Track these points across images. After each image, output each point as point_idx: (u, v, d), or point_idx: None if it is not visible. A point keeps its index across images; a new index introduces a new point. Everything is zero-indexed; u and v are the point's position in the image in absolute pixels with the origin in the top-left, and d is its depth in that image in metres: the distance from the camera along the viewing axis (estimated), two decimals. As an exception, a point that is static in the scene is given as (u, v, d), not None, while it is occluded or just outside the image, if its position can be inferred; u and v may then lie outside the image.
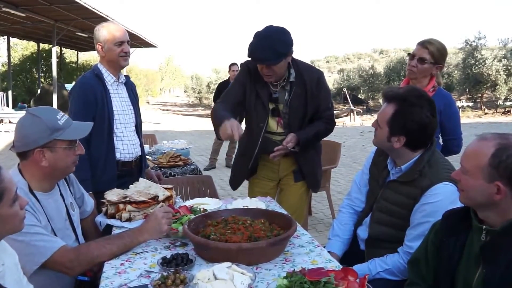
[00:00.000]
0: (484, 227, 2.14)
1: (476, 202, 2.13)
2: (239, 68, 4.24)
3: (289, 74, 3.84)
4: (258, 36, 3.64)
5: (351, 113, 27.66)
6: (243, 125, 4.13)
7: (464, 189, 2.15)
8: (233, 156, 11.50)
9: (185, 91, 56.51)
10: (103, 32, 3.87)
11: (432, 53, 3.83)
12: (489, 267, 2.06)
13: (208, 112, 35.19)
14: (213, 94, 12.07)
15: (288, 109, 3.89)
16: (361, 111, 30.10)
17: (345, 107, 30.95)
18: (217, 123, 3.66)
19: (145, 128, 18.06)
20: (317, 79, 3.90)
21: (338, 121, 26.52)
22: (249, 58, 3.74)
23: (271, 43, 3.57)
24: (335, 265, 2.43)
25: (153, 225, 2.71)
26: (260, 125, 3.94)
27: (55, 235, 2.63)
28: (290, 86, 3.85)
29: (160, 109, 41.35)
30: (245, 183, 4.38)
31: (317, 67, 4.20)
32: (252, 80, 3.89)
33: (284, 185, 4.21)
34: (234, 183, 4.35)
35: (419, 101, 2.76)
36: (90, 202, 3.29)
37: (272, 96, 3.91)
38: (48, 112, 2.66)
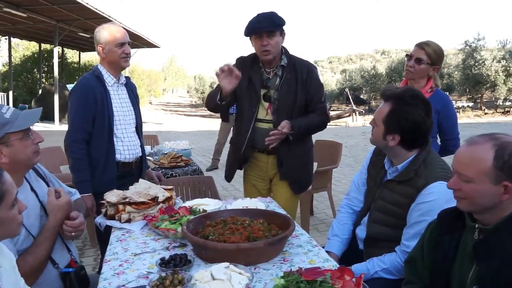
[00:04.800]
0: (476, 225, 2.16)
1: (482, 207, 2.10)
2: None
3: (281, 60, 4.03)
4: (255, 16, 3.93)
5: (353, 113, 27.67)
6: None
7: (467, 197, 2.11)
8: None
9: (188, 91, 56.51)
10: (103, 33, 3.87)
11: (428, 54, 3.93)
12: (482, 265, 2.08)
13: (211, 112, 35.21)
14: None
15: (278, 95, 4.01)
16: (363, 111, 30.14)
17: (348, 107, 30.96)
18: (213, 94, 4.09)
19: (148, 128, 17.97)
20: (308, 69, 4.07)
21: (340, 121, 26.57)
22: (248, 37, 4.00)
23: (267, 16, 3.90)
24: (332, 264, 2.44)
25: (53, 209, 2.71)
26: (253, 110, 4.06)
27: (28, 231, 2.60)
28: (282, 72, 4.01)
29: (163, 109, 41.42)
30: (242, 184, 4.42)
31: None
32: (245, 68, 4.03)
33: (274, 185, 4.28)
34: (228, 175, 4.45)
35: (414, 100, 2.80)
36: (76, 194, 3.28)
37: (265, 82, 4.06)
38: None
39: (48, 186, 2.99)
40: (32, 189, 2.81)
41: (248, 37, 4.00)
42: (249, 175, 4.37)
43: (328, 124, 4.32)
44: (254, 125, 4.08)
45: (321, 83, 4.23)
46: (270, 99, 4.05)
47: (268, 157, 4.17)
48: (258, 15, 3.91)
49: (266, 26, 3.82)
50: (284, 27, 3.95)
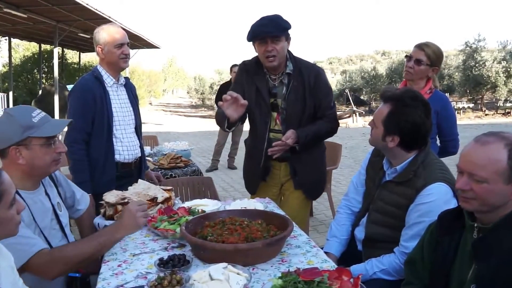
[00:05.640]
0: (476, 224, 2.17)
1: (492, 207, 2.10)
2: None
3: (286, 66, 3.85)
4: (258, 19, 3.73)
5: (354, 114, 27.66)
6: (246, 126, 4.13)
7: (477, 197, 2.09)
8: (235, 157, 11.57)
9: (188, 92, 56.49)
10: (103, 34, 3.89)
11: (428, 55, 3.92)
12: (481, 264, 2.09)
13: (211, 113, 35.27)
14: (215, 95, 12.05)
15: (286, 104, 3.85)
16: (364, 112, 30.09)
17: (348, 108, 30.95)
18: (220, 119, 3.79)
19: (148, 129, 17.96)
20: (316, 73, 3.87)
21: (341, 122, 26.25)
22: (251, 42, 3.80)
23: (272, 19, 3.69)
24: (330, 265, 2.44)
25: (128, 221, 2.72)
26: (266, 121, 3.90)
27: (42, 233, 2.64)
28: (288, 79, 3.84)
29: (163, 110, 41.37)
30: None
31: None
32: (250, 76, 3.89)
33: (286, 190, 4.13)
34: (250, 188, 4.29)
35: (414, 102, 2.80)
36: (84, 200, 3.29)
37: (271, 90, 3.89)
38: (23, 110, 2.67)
39: (57, 189, 3.03)
40: (46, 193, 2.85)
41: (251, 43, 3.81)
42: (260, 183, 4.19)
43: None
44: (268, 136, 3.93)
45: (330, 86, 4.06)
46: (277, 108, 3.90)
47: (280, 164, 4.03)
48: (262, 18, 3.71)
49: (270, 31, 3.62)
50: (290, 31, 3.76)
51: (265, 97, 3.86)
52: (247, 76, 3.89)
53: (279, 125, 3.93)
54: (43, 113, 2.71)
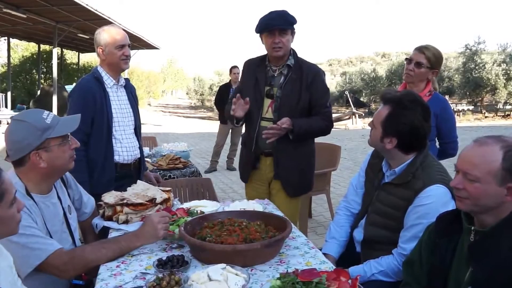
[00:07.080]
0: (472, 228, 2.17)
1: (485, 208, 2.11)
2: (240, 71, 4.31)
3: (288, 59, 4.01)
4: (267, 13, 3.94)
5: (353, 116, 27.68)
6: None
7: (470, 197, 2.11)
8: (234, 158, 11.55)
9: (187, 93, 56.53)
10: (104, 35, 3.88)
11: (428, 58, 3.94)
12: (477, 266, 2.10)
13: (210, 114, 35.31)
14: (215, 96, 12.05)
15: (281, 93, 3.97)
16: (363, 114, 30.12)
17: (347, 110, 30.98)
18: (229, 116, 4.10)
19: (147, 130, 17.93)
20: (315, 73, 4.03)
21: (340, 124, 26.56)
22: (259, 34, 3.99)
23: (280, 13, 3.93)
24: (328, 266, 2.44)
25: (148, 230, 2.70)
26: (258, 107, 4.03)
27: (51, 236, 2.63)
28: (287, 71, 3.99)
29: (162, 111, 41.39)
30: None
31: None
32: (252, 68, 4.08)
33: (273, 189, 4.22)
34: (244, 176, 4.40)
35: (413, 105, 2.80)
36: (90, 203, 3.29)
37: (269, 80, 4.04)
38: (33, 114, 2.66)
39: (68, 191, 3.04)
40: (58, 196, 2.86)
41: (259, 34, 3.99)
42: (250, 179, 4.32)
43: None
44: (260, 124, 4.04)
45: (327, 88, 4.21)
46: (272, 96, 4.02)
47: (266, 159, 4.12)
48: (271, 12, 3.93)
49: (279, 24, 3.83)
50: (295, 26, 3.97)
51: (261, 85, 4.03)
52: (249, 69, 4.10)
53: (270, 113, 4.03)
54: (52, 113, 2.70)
